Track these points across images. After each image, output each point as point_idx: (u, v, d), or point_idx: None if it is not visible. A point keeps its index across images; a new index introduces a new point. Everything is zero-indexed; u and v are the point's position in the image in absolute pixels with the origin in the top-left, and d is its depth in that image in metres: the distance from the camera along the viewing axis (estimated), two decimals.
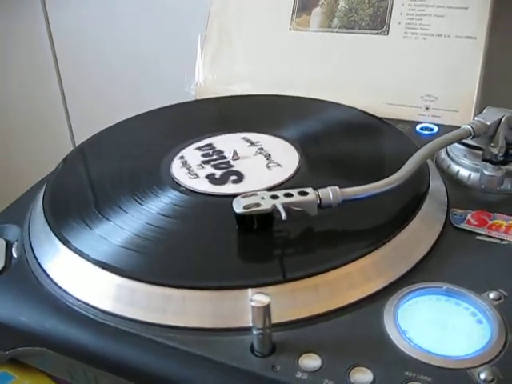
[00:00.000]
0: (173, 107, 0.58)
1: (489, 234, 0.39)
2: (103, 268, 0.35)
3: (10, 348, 0.37)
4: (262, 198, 0.36)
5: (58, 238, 0.39)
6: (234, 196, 0.37)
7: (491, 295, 0.33)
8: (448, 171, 0.46)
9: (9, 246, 0.42)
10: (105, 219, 0.40)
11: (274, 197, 0.36)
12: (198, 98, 0.65)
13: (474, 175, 0.44)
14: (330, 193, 0.36)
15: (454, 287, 0.34)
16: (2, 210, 0.47)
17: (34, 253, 0.40)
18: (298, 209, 0.36)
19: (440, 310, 0.33)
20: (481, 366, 0.29)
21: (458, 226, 0.40)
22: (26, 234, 0.42)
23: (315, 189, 0.37)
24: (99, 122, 0.55)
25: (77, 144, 0.98)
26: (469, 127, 0.42)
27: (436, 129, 0.53)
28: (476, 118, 0.43)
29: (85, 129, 0.56)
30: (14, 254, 0.41)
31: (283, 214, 0.34)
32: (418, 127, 0.54)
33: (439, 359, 0.30)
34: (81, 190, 0.45)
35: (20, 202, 0.47)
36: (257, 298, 0.29)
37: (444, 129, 0.52)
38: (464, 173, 0.44)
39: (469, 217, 0.40)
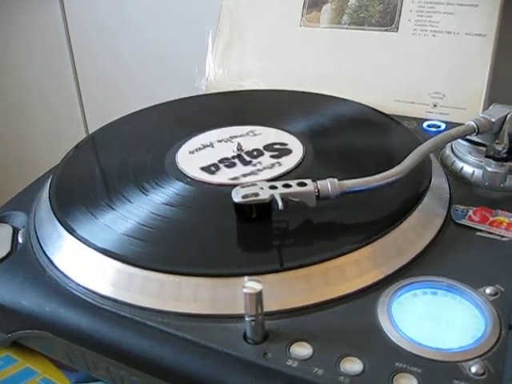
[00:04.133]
0: (182, 100, 0.59)
1: (489, 231, 0.39)
2: (101, 253, 0.36)
3: (13, 331, 0.38)
4: (261, 188, 0.36)
5: (60, 223, 0.39)
6: (235, 186, 0.38)
7: (488, 290, 0.33)
8: (452, 168, 0.46)
9: (15, 232, 0.43)
10: (108, 207, 0.40)
11: (273, 187, 0.36)
12: (208, 92, 0.65)
13: (478, 172, 0.44)
14: (328, 184, 0.36)
15: (451, 281, 0.34)
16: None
17: (38, 239, 0.41)
18: (297, 199, 0.36)
19: (435, 304, 0.33)
20: (472, 359, 0.29)
21: (459, 221, 0.40)
22: (31, 220, 0.43)
23: (314, 180, 0.37)
24: (112, 115, 0.56)
25: None
26: (473, 123, 0.42)
27: (443, 126, 0.53)
28: (481, 115, 0.43)
29: (98, 121, 0.56)
30: (20, 240, 0.42)
31: (280, 204, 0.35)
32: (425, 124, 0.53)
33: (431, 351, 0.30)
34: (86, 179, 0.45)
35: (29, 190, 0.48)
36: (249, 284, 0.29)
37: (451, 126, 0.51)
38: (468, 169, 0.44)
39: (470, 213, 0.40)
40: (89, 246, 0.37)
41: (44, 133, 1.11)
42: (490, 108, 0.44)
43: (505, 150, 0.42)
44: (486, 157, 0.43)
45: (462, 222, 0.40)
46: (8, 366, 0.39)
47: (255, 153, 0.46)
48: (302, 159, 0.45)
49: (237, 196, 0.36)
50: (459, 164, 0.45)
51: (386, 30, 0.58)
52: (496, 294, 0.33)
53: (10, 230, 0.43)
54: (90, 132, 1.03)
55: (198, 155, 0.47)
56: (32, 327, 0.36)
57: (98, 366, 0.35)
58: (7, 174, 1.21)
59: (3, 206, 0.46)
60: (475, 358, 0.29)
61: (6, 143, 1.18)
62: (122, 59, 0.92)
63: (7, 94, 1.10)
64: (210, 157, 0.46)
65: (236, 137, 0.49)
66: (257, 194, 0.36)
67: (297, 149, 0.46)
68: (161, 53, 0.87)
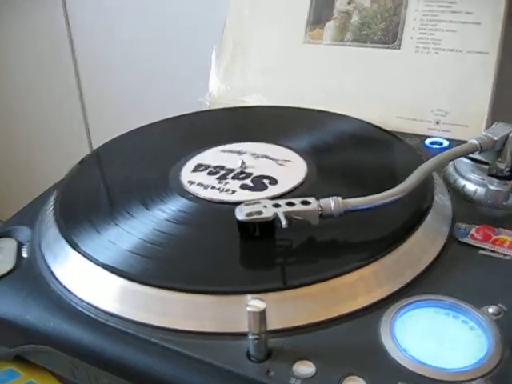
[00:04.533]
0: (185, 116, 0.59)
1: (492, 249, 0.39)
2: (104, 269, 0.36)
3: (16, 345, 0.38)
4: (265, 207, 0.37)
5: (64, 238, 0.40)
6: (238, 204, 0.38)
7: (491, 310, 0.33)
8: (455, 185, 0.46)
9: (20, 246, 0.43)
10: (112, 223, 0.41)
11: (276, 205, 0.37)
12: (212, 108, 0.65)
13: (480, 190, 0.44)
14: (331, 203, 0.37)
15: (454, 300, 0.34)
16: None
17: (42, 254, 0.41)
18: (300, 218, 0.36)
19: (438, 323, 0.33)
20: (475, 379, 0.29)
21: (461, 240, 0.40)
22: (36, 235, 0.43)
23: (318, 199, 0.37)
24: (116, 131, 0.57)
25: None
26: (476, 142, 0.42)
27: (446, 143, 0.53)
28: (483, 133, 0.43)
29: (103, 136, 0.57)
30: (25, 255, 0.42)
31: (283, 222, 0.35)
32: (427, 141, 0.54)
33: (433, 371, 0.30)
34: (90, 194, 0.46)
35: (33, 205, 0.48)
36: (253, 303, 0.29)
37: (454, 143, 0.52)
38: (470, 187, 0.44)
39: (473, 231, 0.40)
40: (92, 261, 0.37)
41: (47, 147, 1.11)
42: (493, 126, 0.45)
43: (507, 169, 0.43)
44: (489, 175, 0.43)
45: (465, 240, 0.40)
46: (11, 379, 0.39)
47: (258, 170, 0.46)
48: (305, 177, 0.45)
49: (240, 214, 0.36)
50: (462, 182, 0.45)
51: (389, 48, 0.58)
52: (499, 314, 0.33)
53: (15, 245, 0.43)
54: (93, 147, 1.04)
55: (202, 171, 0.47)
56: (35, 342, 0.36)
57: (101, 382, 0.35)
58: (9, 188, 1.22)
59: (8, 221, 0.46)
60: (478, 377, 0.29)
61: (8, 158, 1.19)
62: (125, 75, 0.93)
63: (7, 105, 1.11)
64: (214, 173, 0.46)
65: (239, 153, 0.49)
66: (260, 212, 0.36)
67: (299, 166, 0.47)
68: (165, 68, 0.87)
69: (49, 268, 0.39)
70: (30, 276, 0.39)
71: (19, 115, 1.12)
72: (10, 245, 0.43)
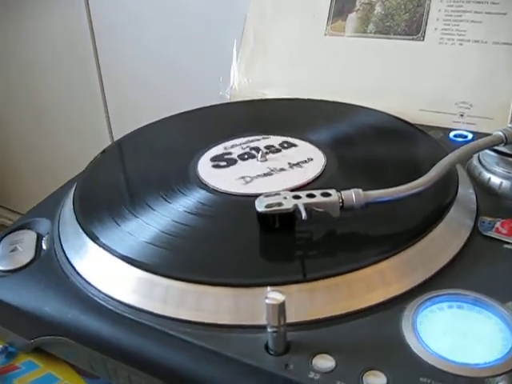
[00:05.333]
0: (207, 109, 0.59)
1: None
2: (123, 260, 0.36)
3: (35, 337, 0.38)
4: (285, 198, 0.36)
5: (84, 231, 0.39)
6: (258, 196, 0.37)
7: None
8: (479, 178, 0.45)
9: (39, 238, 0.43)
10: (131, 215, 0.41)
11: (297, 197, 0.36)
12: (233, 100, 0.65)
13: (506, 183, 0.43)
14: (353, 195, 0.36)
15: (478, 295, 0.33)
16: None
17: (62, 246, 0.41)
18: (320, 210, 0.36)
19: (461, 318, 0.32)
20: (500, 375, 0.28)
21: (485, 233, 0.39)
22: (56, 227, 0.43)
23: (339, 191, 0.37)
24: (137, 123, 0.57)
25: None
26: (501, 133, 0.42)
27: (470, 136, 0.52)
28: (509, 125, 0.42)
29: (123, 128, 0.57)
30: (44, 247, 0.42)
31: (303, 214, 0.34)
32: (451, 134, 0.53)
33: (456, 367, 0.29)
34: (110, 186, 0.46)
35: (54, 197, 0.48)
36: (272, 295, 0.29)
37: (479, 136, 0.50)
38: (495, 180, 0.43)
39: (498, 225, 0.39)
40: (111, 253, 0.37)
41: (67, 140, 1.12)
42: None
43: None
44: None
45: (489, 234, 0.39)
46: (30, 371, 0.39)
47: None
48: (324, 169, 0.44)
49: (260, 205, 0.36)
50: (486, 175, 0.44)
51: (412, 39, 0.57)
52: None
53: (35, 237, 0.43)
54: (114, 139, 1.05)
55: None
56: (54, 333, 0.36)
57: (119, 374, 0.35)
58: (30, 181, 1.23)
59: (28, 213, 0.46)
60: (502, 373, 0.28)
61: (29, 150, 1.20)
62: (147, 68, 0.93)
63: (28, 99, 1.12)
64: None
65: (260, 146, 0.49)
66: (280, 204, 0.36)
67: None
68: (185, 61, 0.87)
69: (68, 260, 0.39)
70: (49, 268, 0.39)
71: (39, 109, 1.13)
72: (29, 237, 0.43)
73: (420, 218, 0.38)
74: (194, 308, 0.33)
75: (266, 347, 0.31)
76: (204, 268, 0.35)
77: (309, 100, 0.58)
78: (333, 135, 0.50)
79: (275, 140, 0.50)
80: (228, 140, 0.51)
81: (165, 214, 0.40)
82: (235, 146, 0.49)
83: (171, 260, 0.36)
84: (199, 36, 0.84)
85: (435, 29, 0.57)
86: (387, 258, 0.34)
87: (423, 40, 0.57)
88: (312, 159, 0.46)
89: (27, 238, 0.43)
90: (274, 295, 0.29)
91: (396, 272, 0.34)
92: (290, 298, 0.30)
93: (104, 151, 0.52)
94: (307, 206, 0.35)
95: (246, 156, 0.47)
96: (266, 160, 0.46)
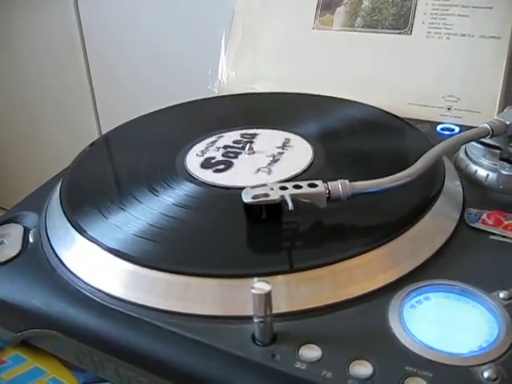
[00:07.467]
0: (193, 103, 0.59)
1: (503, 234, 0.38)
2: (110, 253, 0.36)
3: (22, 330, 0.37)
4: (271, 189, 0.36)
5: (71, 223, 0.39)
6: (244, 187, 0.37)
7: (501, 294, 0.33)
8: (466, 171, 0.45)
9: (26, 232, 0.43)
10: (118, 208, 0.40)
11: (283, 188, 0.36)
12: (221, 94, 0.65)
13: (492, 175, 0.43)
14: (339, 186, 0.36)
15: (464, 285, 0.33)
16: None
17: (48, 239, 0.41)
18: (307, 201, 0.36)
19: (447, 308, 0.32)
20: (485, 364, 0.29)
21: (472, 225, 0.39)
22: (42, 220, 0.43)
23: (325, 182, 0.37)
24: (124, 117, 0.57)
25: None
26: (487, 126, 0.42)
27: (457, 129, 0.52)
28: (495, 117, 0.43)
29: (111, 122, 0.57)
30: (31, 240, 0.42)
31: (290, 205, 0.34)
32: (438, 127, 0.53)
33: (442, 356, 0.29)
34: (97, 179, 0.45)
35: (41, 191, 0.48)
36: (258, 285, 0.29)
37: (466, 129, 0.50)
38: (482, 173, 0.44)
39: (484, 216, 0.40)
40: (98, 245, 0.37)
41: (55, 135, 1.12)
42: (505, 111, 0.44)
43: None
44: (501, 160, 0.43)
45: (476, 225, 0.39)
46: (17, 365, 0.39)
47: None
48: (312, 162, 0.44)
49: (247, 196, 0.36)
50: (473, 167, 0.44)
51: (400, 33, 0.58)
52: (510, 299, 0.32)
53: (21, 230, 0.43)
54: (102, 133, 1.04)
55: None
56: (41, 326, 0.36)
57: (106, 367, 0.35)
58: (17, 176, 1.22)
59: (15, 207, 0.46)
60: (488, 362, 0.29)
61: (16, 145, 1.19)
62: (134, 61, 0.92)
63: (18, 93, 1.12)
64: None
65: (246, 139, 0.49)
66: (267, 195, 0.36)
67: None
68: (174, 55, 0.87)
69: (55, 253, 0.39)
70: (36, 261, 0.39)
71: (27, 104, 1.12)
72: (16, 230, 0.43)
73: (406, 210, 0.38)
74: (182, 299, 0.33)
75: (253, 338, 0.31)
76: (191, 259, 0.35)
77: (297, 94, 0.58)
78: (321, 129, 0.51)
79: (263, 133, 0.50)
80: (216, 134, 0.51)
81: (152, 206, 0.40)
82: (224, 139, 0.49)
83: (158, 252, 0.36)
84: (188, 29, 0.84)
85: (422, 22, 0.57)
86: (373, 248, 0.35)
87: (411, 34, 0.57)
88: (300, 152, 0.46)
89: (14, 232, 0.42)
90: (260, 285, 0.29)
91: (383, 263, 0.34)
92: (276, 289, 0.30)
93: (90, 146, 0.52)
94: (294, 197, 0.35)
95: (233, 149, 0.47)
96: (254, 153, 0.46)
